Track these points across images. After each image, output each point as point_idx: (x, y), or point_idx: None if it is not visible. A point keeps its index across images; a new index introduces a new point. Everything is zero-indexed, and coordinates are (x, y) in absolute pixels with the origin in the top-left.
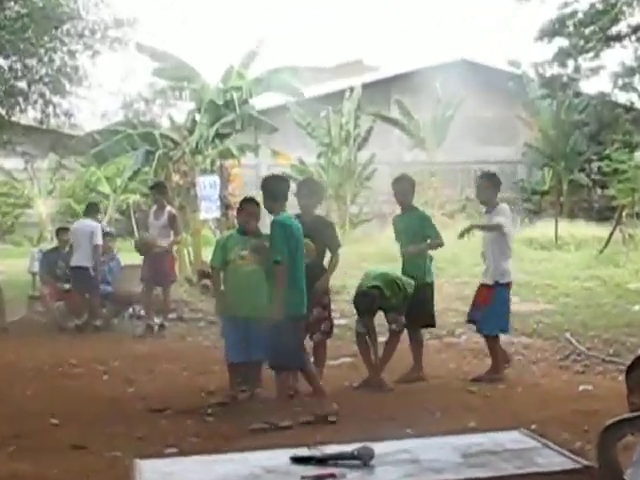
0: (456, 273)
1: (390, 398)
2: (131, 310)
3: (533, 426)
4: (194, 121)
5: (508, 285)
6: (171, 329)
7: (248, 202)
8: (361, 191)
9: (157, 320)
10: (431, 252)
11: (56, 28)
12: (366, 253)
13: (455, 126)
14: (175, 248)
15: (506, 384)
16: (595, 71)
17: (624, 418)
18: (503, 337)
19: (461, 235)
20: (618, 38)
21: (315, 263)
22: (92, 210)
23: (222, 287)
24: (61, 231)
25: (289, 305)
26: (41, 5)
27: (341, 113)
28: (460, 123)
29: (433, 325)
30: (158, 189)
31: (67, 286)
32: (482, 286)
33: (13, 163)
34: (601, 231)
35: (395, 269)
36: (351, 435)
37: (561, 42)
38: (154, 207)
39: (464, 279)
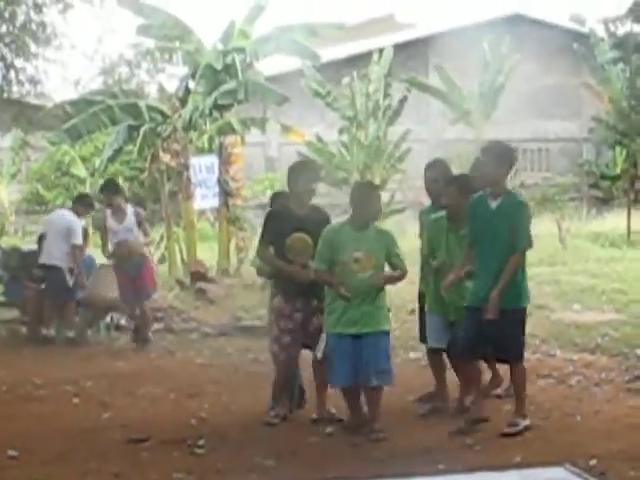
0: None
1: (422, 428)
2: (108, 319)
3: (593, 461)
4: (187, 90)
5: None
6: (157, 342)
7: (363, 187)
8: (392, 174)
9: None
10: None
11: None
12: None
13: (507, 96)
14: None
15: (562, 411)
16: None
17: None
18: (559, 354)
19: None
20: None
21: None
22: (82, 203)
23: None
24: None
25: None
26: None
27: (368, 79)
28: (513, 93)
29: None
30: (109, 190)
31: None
32: None
33: None
34: None
35: None
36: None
37: None
38: (108, 211)
39: None
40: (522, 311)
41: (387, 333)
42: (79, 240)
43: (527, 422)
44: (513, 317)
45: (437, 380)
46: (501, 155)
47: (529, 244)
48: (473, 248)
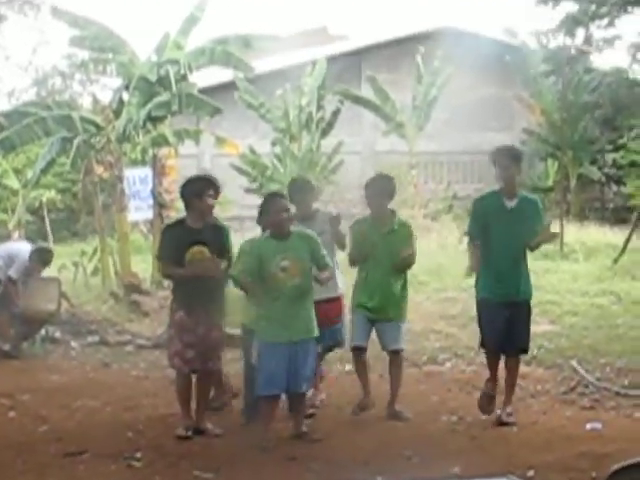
0: (440, 287)
1: (361, 438)
2: (44, 332)
3: (530, 472)
4: (121, 101)
5: None
6: (92, 355)
7: (269, 198)
8: (325, 187)
9: (74, 343)
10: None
11: None
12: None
13: (440, 108)
14: None
15: (499, 422)
16: (610, 42)
17: (634, 462)
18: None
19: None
20: (637, 2)
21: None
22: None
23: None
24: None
25: None
26: None
27: (301, 91)
28: (446, 105)
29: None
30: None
31: None
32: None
33: None
34: (616, 236)
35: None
36: None
37: (569, 7)
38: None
39: (450, 294)
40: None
41: (315, 340)
42: (14, 275)
43: None
44: (530, 308)
45: (361, 379)
46: (517, 157)
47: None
48: (484, 246)
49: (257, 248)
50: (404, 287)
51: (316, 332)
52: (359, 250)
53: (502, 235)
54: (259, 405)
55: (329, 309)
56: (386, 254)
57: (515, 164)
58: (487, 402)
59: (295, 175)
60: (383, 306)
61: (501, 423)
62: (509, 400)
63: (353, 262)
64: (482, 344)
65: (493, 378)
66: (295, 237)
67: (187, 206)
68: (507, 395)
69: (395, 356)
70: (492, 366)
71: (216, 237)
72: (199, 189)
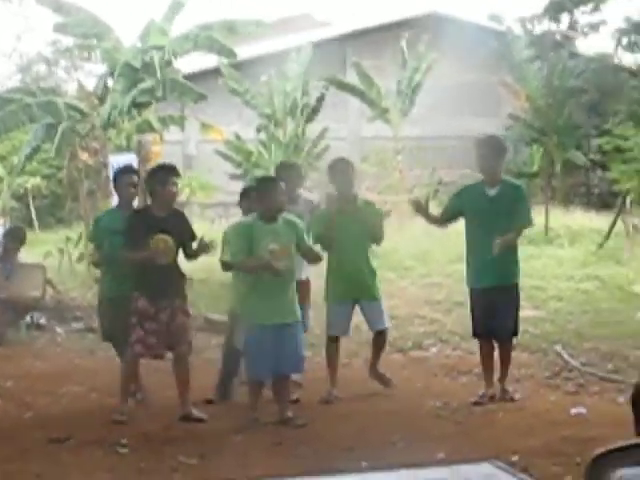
0: (425, 272)
1: (347, 424)
2: (29, 319)
3: (515, 457)
4: (106, 87)
5: None
6: (78, 342)
7: (267, 182)
8: (310, 173)
9: (59, 330)
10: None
11: None
12: None
13: (425, 94)
14: None
15: (483, 407)
16: (595, 27)
17: (617, 447)
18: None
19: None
20: None
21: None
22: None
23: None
24: None
25: None
26: None
27: (286, 78)
28: (431, 90)
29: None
30: None
31: None
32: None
33: None
34: (600, 221)
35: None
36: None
37: None
38: None
39: (435, 280)
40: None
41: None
42: None
43: None
44: (516, 292)
45: (330, 367)
46: (496, 147)
47: (530, 222)
48: (469, 236)
49: (247, 229)
50: (375, 264)
51: (300, 315)
52: (326, 232)
53: (485, 223)
54: (249, 386)
55: (302, 291)
56: (357, 232)
57: (495, 154)
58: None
59: (282, 159)
60: (363, 285)
61: (503, 400)
62: (505, 377)
63: (325, 246)
64: (474, 333)
65: (489, 376)
66: (282, 221)
67: (151, 194)
68: (503, 372)
69: (380, 335)
70: (487, 358)
71: (180, 225)
72: (162, 178)
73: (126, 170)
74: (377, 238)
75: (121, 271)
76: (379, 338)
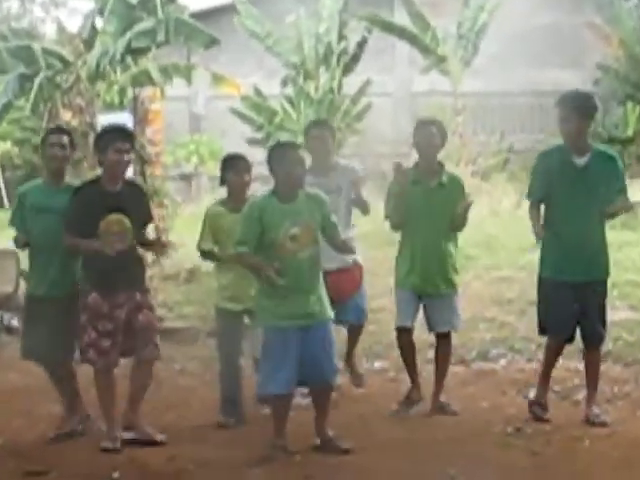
0: (492, 264)
1: (396, 453)
2: None
3: None
4: (94, 29)
5: None
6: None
7: (286, 147)
8: (349, 137)
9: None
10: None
11: None
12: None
13: (492, 38)
14: None
15: (566, 434)
16: None
17: None
18: (561, 362)
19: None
20: None
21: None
22: None
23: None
24: None
25: None
26: None
27: (318, 17)
28: (499, 35)
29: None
30: None
31: None
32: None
33: None
34: None
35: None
36: None
37: None
38: None
39: (504, 273)
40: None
41: (330, 322)
42: None
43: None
44: (606, 289)
45: (407, 365)
46: (586, 105)
47: (628, 204)
48: (548, 213)
49: (258, 210)
50: (455, 253)
51: (331, 313)
52: (398, 209)
53: (571, 200)
54: (271, 404)
55: (342, 280)
56: (434, 213)
57: (581, 114)
58: (541, 411)
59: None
60: (431, 276)
61: (591, 424)
62: (593, 397)
63: (395, 225)
64: (542, 330)
65: (546, 379)
66: (302, 199)
67: (100, 164)
68: (590, 392)
69: (443, 340)
70: (550, 361)
71: (136, 202)
72: (106, 141)
73: (53, 130)
74: (457, 223)
75: (54, 261)
76: (443, 343)
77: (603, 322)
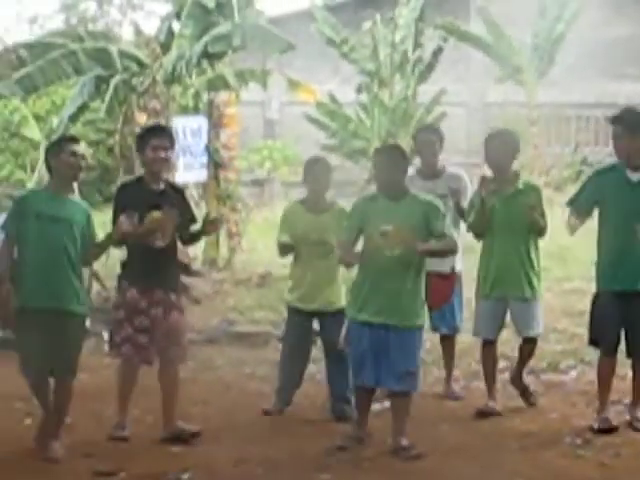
0: (564, 276)
1: (465, 462)
2: None
3: None
4: (171, 32)
5: None
6: None
7: (382, 151)
8: None
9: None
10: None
11: None
12: None
13: (568, 49)
14: None
15: (636, 447)
16: None
17: None
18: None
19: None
20: None
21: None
22: None
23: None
24: None
25: None
26: None
27: (395, 25)
28: (575, 45)
29: None
30: None
31: None
32: None
33: None
34: None
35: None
36: None
37: None
38: None
39: (576, 285)
40: None
41: (419, 329)
42: None
43: None
44: None
45: (486, 377)
46: (635, 122)
47: None
48: (602, 228)
49: (361, 206)
50: (538, 258)
51: (420, 321)
52: (481, 219)
53: (623, 213)
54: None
55: (441, 285)
56: (513, 220)
57: (632, 132)
58: (607, 424)
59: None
60: (513, 281)
61: (635, 429)
62: (638, 403)
63: (478, 235)
64: (592, 342)
65: (605, 393)
66: (409, 201)
67: (142, 164)
68: (636, 396)
69: (528, 344)
70: (605, 371)
71: (178, 201)
72: (144, 140)
73: (67, 139)
74: (537, 227)
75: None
76: (526, 347)
77: None
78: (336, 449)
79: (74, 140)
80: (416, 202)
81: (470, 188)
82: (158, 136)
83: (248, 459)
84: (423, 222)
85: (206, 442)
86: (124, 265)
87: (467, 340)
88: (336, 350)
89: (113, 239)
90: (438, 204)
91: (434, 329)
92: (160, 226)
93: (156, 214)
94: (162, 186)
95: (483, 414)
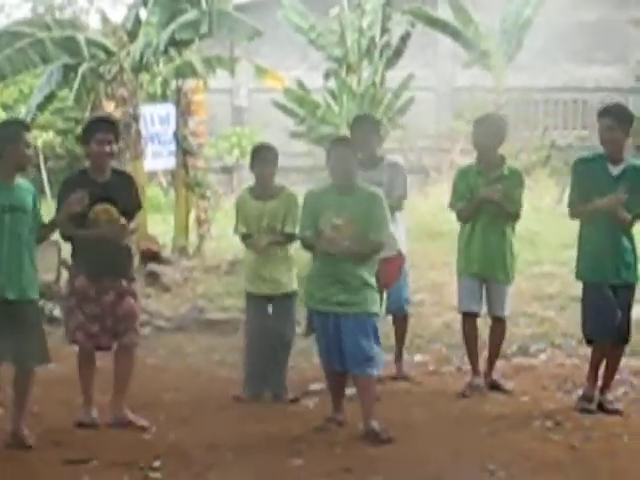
0: (534, 260)
1: (435, 446)
2: None
3: None
4: (138, 20)
5: None
6: None
7: (336, 144)
8: (391, 131)
9: None
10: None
11: None
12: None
13: (536, 34)
14: None
15: (606, 431)
16: None
17: None
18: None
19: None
20: None
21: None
22: None
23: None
24: None
25: None
26: None
27: (362, 10)
28: (543, 30)
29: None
30: None
31: None
32: None
33: None
34: None
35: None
36: None
37: None
38: None
39: (545, 269)
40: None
41: (375, 314)
42: None
43: None
44: (633, 293)
45: (469, 351)
46: (625, 118)
47: None
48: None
49: (314, 200)
50: (512, 243)
51: (373, 307)
52: (466, 203)
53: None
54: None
55: (389, 266)
56: (494, 202)
57: (620, 125)
58: (588, 404)
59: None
60: (492, 264)
61: (606, 411)
62: (608, 386)
63: (463, 218)
64: (586, 335)
65: (594, 376)
66: (359, 194)
67: (86, 155)
68: (607, 380)
69: (498, 323)
70: (597, 361)
71: (124, 191)
72: (89, 133)
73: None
74: (512, 213)
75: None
76: (496, 328)
77: (627, 324)
78: (315, 430)
79: (27, 128)
80: (364, 195)
81: (405, 177)
82: (103, 130)
83: (219, 445)
84: (367, 214)
85: (177, 429)
86: (74, 253)
87: (436, 325)
88: (281, 338)
89: (59, 221)
90: (382, 199)
91: (387, 312)
92: (107, 219)
93: (101, 207)
94: (107, 177)
95: (470, 388)
